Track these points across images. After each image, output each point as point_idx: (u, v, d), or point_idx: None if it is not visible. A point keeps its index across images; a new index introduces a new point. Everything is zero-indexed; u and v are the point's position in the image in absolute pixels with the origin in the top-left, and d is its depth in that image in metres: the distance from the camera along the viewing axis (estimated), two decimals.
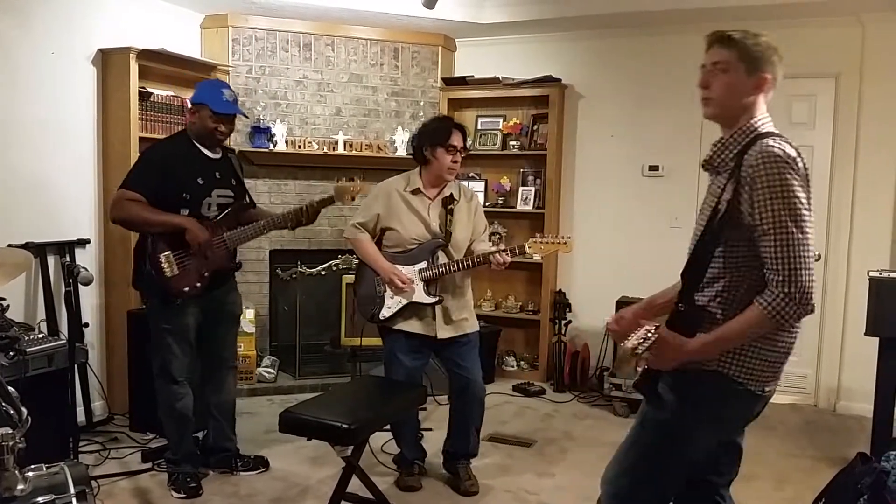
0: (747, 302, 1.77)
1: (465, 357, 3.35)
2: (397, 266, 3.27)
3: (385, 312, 3.30)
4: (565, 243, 3.23)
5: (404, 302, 3.27)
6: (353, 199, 3.47)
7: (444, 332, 3.30)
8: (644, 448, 1.96)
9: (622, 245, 5.20)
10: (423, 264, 3.28)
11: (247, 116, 3.28)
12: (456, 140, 3.30)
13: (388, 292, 3.28)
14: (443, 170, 3.30)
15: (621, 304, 4.72)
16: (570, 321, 5.22)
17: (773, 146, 1.76)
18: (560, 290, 5.28)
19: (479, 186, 5.47)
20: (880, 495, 2.36)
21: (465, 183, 3.59)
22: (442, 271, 3.25)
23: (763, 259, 1.75)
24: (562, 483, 3.56)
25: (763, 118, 1.87)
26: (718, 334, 1.77)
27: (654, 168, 5.07)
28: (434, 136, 3.31)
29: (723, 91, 1.87)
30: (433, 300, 3.27)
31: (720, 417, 1.89)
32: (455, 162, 3.32)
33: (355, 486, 3.10)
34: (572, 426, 4.41)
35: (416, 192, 3.35)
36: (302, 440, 3.25)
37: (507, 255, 3.17)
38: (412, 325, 3.30)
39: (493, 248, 3.29)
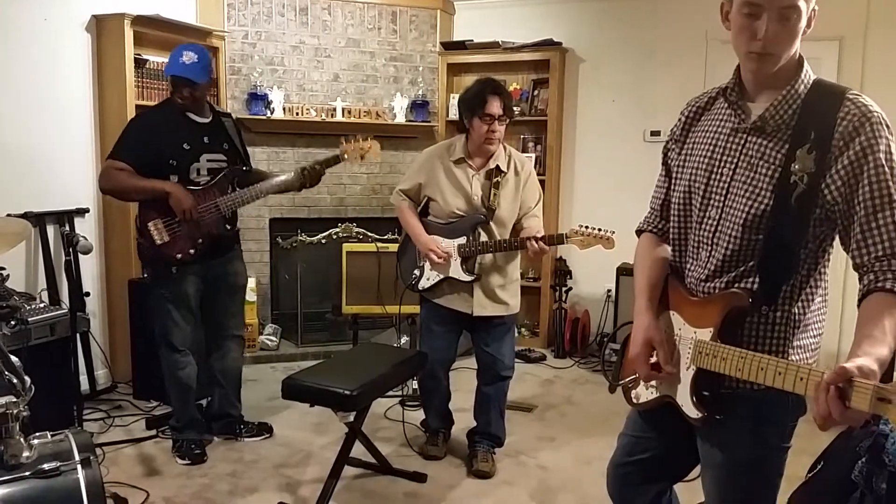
0: (811, 299, 1.57)
1: (496, 337, 3.26)
2: (436, 238, 3.17)
3: (424, 283, 3.24)
4: (608, 239, 2.94)
5: (441, 276, 3.19)
6: (362, 158, 3.42)
7: (480, 310, 3.19)
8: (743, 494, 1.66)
9: (623, 212, 5.10)
10: (463, 239, 3.13)
11: (197, 83, 3.15)
12: (492, 108, 3.04)
13: (427, 264, 3.22)
14: (480, 140, 3.10)
15: (622, 270, 4.73)
16: (570, 288, 5.23)
17: (871, 106, 1.45)
18: (560, 257, 5.28)
19: None
20: (878, 458, 2.38)
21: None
22: (480, 250, 3.12)
23: (872, 240, 1.42)
24: (561, 447, 3.60)
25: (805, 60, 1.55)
26: (884, 352, 1.29)
27: (655, 133, 5.03)
28: (469, 104, 3.09)
29: (792, 43, 1.48)
30: (469, 278, 3.14)
31: (792, 426, 1.64)
32: (493, 132, 3.06)
33: (358, 451, 3.15)
34: (572, 391, 4.45)
35: (459, 161, 3.16)
36: (305, 406, 3.27)
37: (543, 243, 2.98)
38: (449, 300, 3.22)
39: (535, 233, 3.06)
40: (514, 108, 5.22)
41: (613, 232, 2.97)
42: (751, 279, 1.56)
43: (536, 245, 2.97)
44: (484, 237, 3.16)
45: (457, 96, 5.35)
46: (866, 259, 1.43)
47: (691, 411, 1.59)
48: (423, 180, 3.22)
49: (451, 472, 3.31)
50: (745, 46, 1.50)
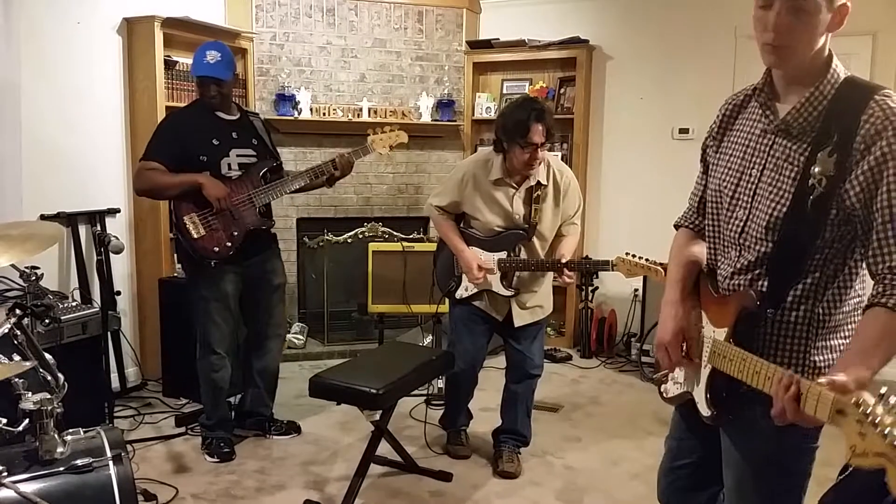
0: (840, 300, 1.53)
1: (528, 337, 3.25)
2: (476, 251, 3.16)
3: (461, 292, 3.25)
4: (656, 272, 2.77)
5: (480, 288, 3.20)
6: (390, 148, 3.47)
7: (519, 321, 3.20)
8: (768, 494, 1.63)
9: (651, 210, 5.13)
10: (503, 254, 3.14)
11: (224, 80, 3.21)
12: (535, 137, 2.93)
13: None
14: (521, 166, 3.04)
15: None
16: (596, 287, 5.19)
17: None
18: (587, 255, 5.24)
19: None
20: None
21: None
22: (520, 267, 3.13)
23: (888, 249, 1.39)
24: (588, 447, 3.57)
25: (836, 58, 1.51)
26: (871, 359, 1.33)
27: (684, 131, 4.98)
28: (510, 131, 2.97)
29: (808, 37, 1.45)
30: (509, 293, 3.15)
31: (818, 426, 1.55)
32: (534, 159, 2.99)
33: (384, 449, 3.16)
34: (599, 391, 4.42)
35: (498, 181, 3.11)
36: (332, 405, 3.30)
37: (571, 272, 3.06)
38: (485, 306, 3.23)
39: (564, 253, 3.09)
40: None
41: (663, 263, 2.89)
42: (763, 281, 1.56)
43: (565, 279, 3.06)
44: (524, 253, 3.16)
45: (482, 95, 5.40)
46: (881, 268, 1.41)
47: (704, 409, 1.61)
48: (459, 199, 3.20)
49: (476, 471, 3.30)
50: (760, 38, 1.49)
